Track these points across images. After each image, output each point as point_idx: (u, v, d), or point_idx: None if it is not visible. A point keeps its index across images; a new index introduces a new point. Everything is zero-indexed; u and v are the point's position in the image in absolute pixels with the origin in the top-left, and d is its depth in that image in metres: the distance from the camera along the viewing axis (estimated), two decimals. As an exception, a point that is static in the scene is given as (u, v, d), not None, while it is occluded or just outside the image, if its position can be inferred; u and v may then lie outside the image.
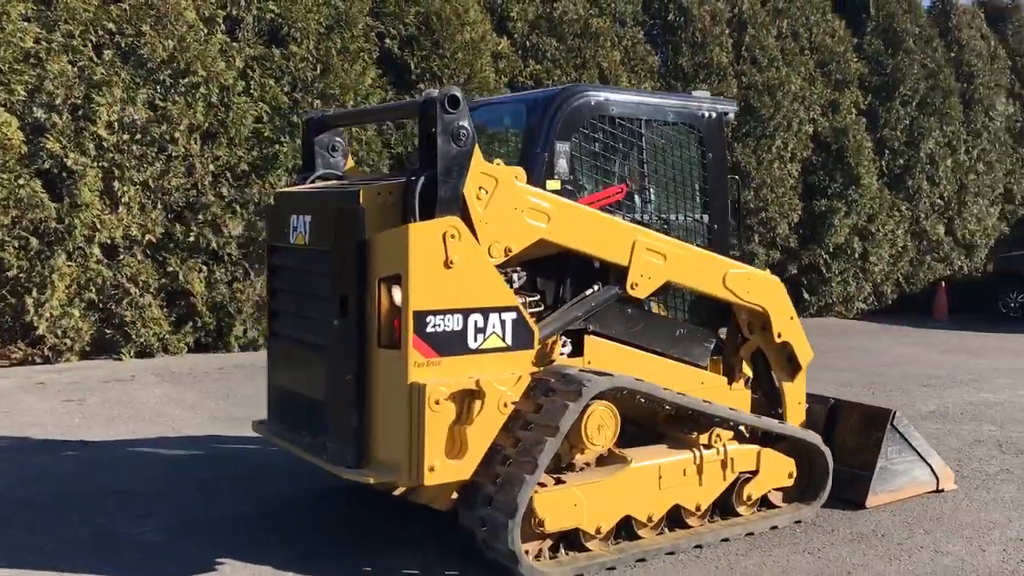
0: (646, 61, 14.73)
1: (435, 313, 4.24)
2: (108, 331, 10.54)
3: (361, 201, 4.31)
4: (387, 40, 12.36)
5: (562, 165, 4.91)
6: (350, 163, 5.40)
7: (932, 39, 17.99)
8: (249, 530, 5.04)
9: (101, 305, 10.47)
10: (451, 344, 4.29)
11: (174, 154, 10.57)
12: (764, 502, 5.35)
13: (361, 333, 4.30)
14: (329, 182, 5.14)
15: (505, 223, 4.44)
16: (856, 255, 16.34)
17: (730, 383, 5.57)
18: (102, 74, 10.19)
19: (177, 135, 10.54)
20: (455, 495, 4.51)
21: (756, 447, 5.25)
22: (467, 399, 4.24)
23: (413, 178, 4.25)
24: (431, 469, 4.16)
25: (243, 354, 11.01)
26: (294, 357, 4.81)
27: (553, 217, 4.59)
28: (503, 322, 4.45)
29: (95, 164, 10.18)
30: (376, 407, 4.31)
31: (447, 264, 4.24)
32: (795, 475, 5.40)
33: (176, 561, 4.61)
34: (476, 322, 4.36)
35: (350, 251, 4.30)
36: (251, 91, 11.16)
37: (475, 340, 4.36)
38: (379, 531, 5.06)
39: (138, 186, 10.44)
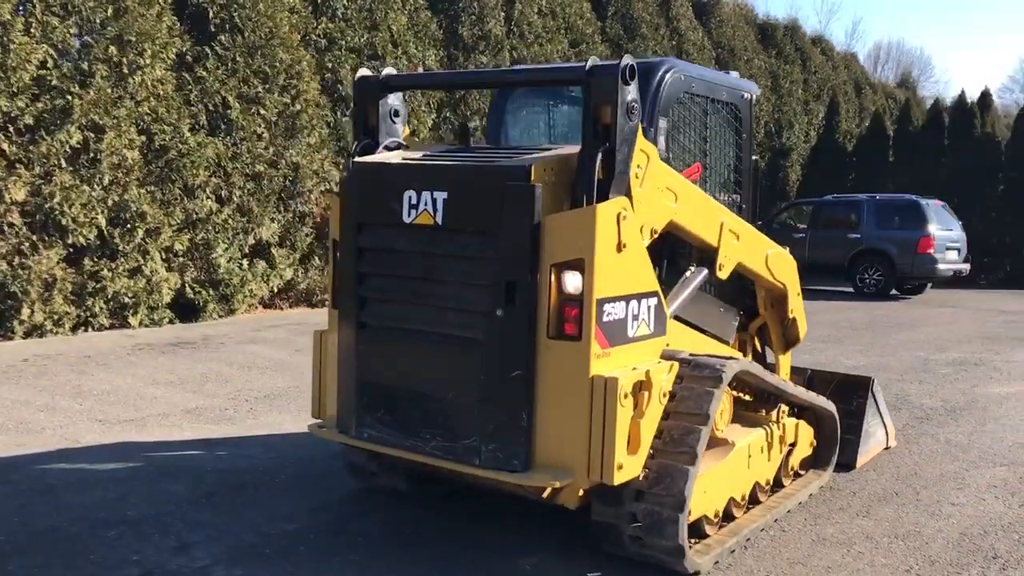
0: (429, 28, 14.45)
1: (609, 301, 3.94)
2: None
3: (533, 178, 3.86)
4: (181, -17, 11.00)
5: (661, 142, 4.74)
6: (406, 131, 4.80)
7: (660, 27, 19.47)
8: (323, 550, 4.35)
9: None
10: (618, 333, 4.01)
11: (-57, 101, 8.66)
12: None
13: (531, 324, 3.88)
14: (408, 151, 4.54)
15: (653, 202, 4.22)
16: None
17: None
18: None
19: (-52, 78, 8.64)
20: (581, 492, 4.24)
21: (795, 420, 5.48)
22: (639, 391, 4.00)
23: (589, 154, 3.89)
24: (620, 467, 3.88)
25: (34, 342, 9.34)
26: (411, 351, 4.19)
27: (679, 197, 4.44)
28: (649, 308, 4.24)
29: None
30: (544, 404, 3.92)
31: (619, 247, 3.95)
32: (814, 444, 5.71)
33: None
34: (633, 309, 4.12)
35: (522, 234, 3.84)
36: (32, 31, 9.40)
37: (632, 328, 4.12)
38: (479, 533, 4.60)
39: (-102, 139, 8.44)
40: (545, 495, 4.21)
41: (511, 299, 3.88)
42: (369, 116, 4.64)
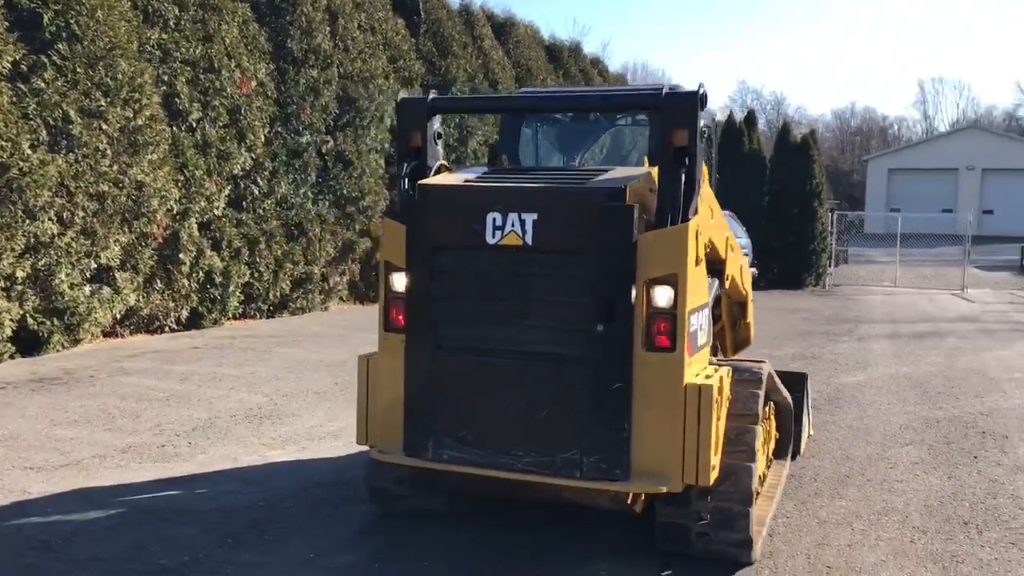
0: (258, 41, 13.96)
1: (693, 312, 4.19)
2: None
3: (628, 199, 4.02)
4: (10, -15, 10.01)
5: (685, 164, 5.03)
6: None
7: (468, 45, 19.89)
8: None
9: None
10: (694, 342, 4.27)
11: None
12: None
13: (629, 338, 4.04)
14: (462, 173, 4.54)
15: (706, 219, 4.51)
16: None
17: (710, 362, 6.18)
18: None
19: None
20: (643, 496, 4.46)
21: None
22: (717, 396, 4.27)
23: (674, 176, 4.11)
24: (713, 468, 4.13)
25: None
26: (497, 370, 4.18)
27: (714, 213, 4.76)
28: (706, 318, 4.53)
29: None
30: (640, 413, 4.09)
31: (697, 262, 4.21)
32: (778, 436, 6.22)
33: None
34: (700, 320, 4.39)
35: (621, 253, 3.99)
36: None
37: (700, 337, 4.38)
38: (538, 545, 4.67)
39: None
40: (628, 501, 4.38)
41: (611, 315, 4.02)
42: (413, 138, 4.60)
